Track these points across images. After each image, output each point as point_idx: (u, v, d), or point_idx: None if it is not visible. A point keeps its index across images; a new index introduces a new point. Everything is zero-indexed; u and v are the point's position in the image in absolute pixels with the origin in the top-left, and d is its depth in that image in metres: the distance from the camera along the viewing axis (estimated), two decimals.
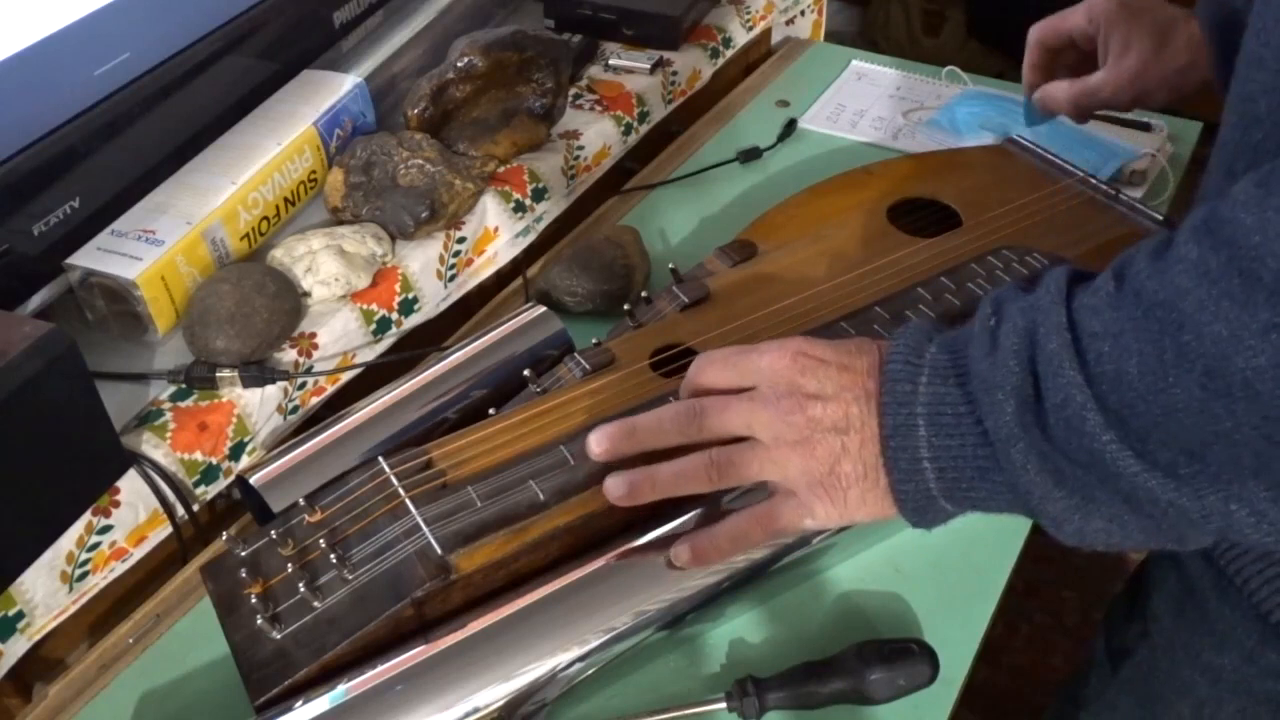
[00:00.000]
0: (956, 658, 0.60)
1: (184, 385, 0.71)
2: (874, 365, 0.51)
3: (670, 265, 0.75)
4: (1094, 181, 0.82)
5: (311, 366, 0.75)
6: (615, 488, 0.56)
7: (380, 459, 0.62)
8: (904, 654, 0.57)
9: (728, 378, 0.55)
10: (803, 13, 1.28)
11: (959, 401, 0.48)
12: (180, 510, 0.68)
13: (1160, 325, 0.41)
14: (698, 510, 0.60)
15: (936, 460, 0.48)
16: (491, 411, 0.66)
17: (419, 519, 0.58)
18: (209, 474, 0.70)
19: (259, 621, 0.56)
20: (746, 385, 0.54)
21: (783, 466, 0.52)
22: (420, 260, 0.82)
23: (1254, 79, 0.47)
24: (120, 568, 0.67)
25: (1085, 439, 0.43)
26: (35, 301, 0.72)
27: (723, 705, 0.57)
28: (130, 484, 0.66)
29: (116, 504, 0.66)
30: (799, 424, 0.51)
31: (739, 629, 0.62)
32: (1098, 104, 0.79)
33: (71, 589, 0.64)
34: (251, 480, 0.63)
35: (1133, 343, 0.41)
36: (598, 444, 0.56)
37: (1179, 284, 0.40)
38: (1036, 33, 0.81)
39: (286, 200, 0.82)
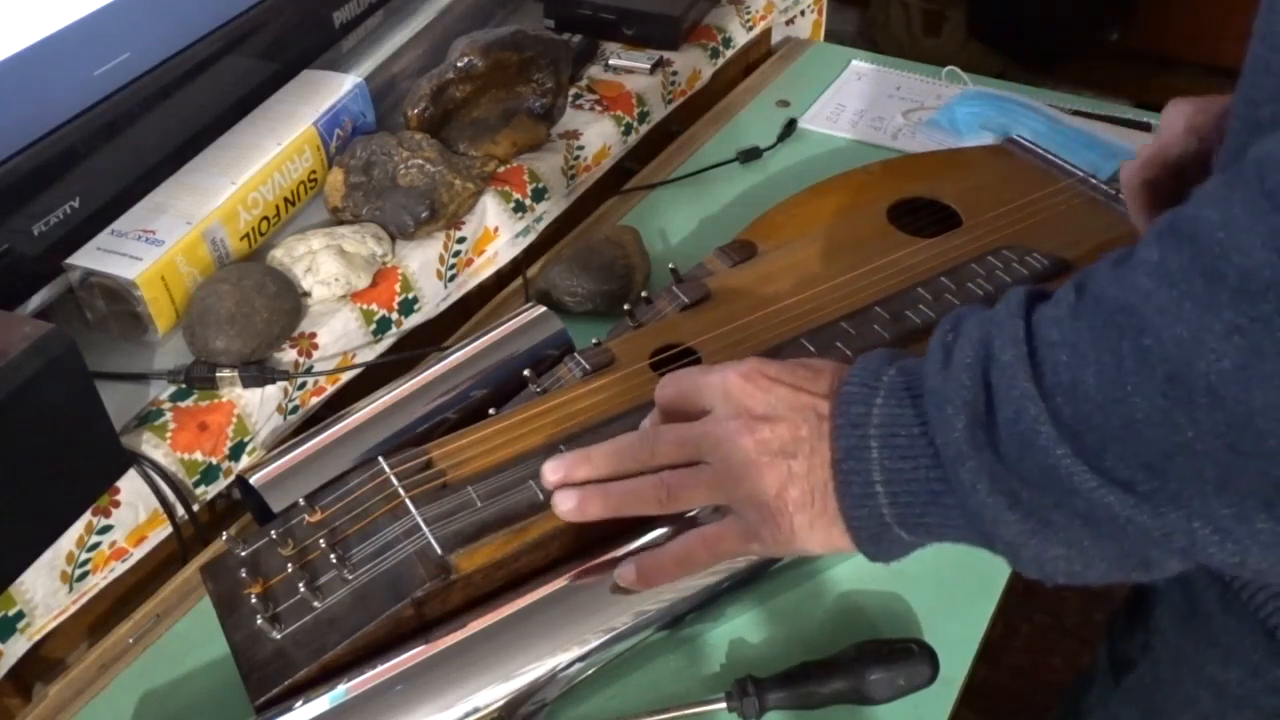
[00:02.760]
0: (956, 658, 0.60)
1: (184, 385, 0.71)
2: (830, 388, 0.50)
3: (670, 265, 0.75)
4: (1094, 181, 0.82)
5: (311, 366, 0.75)
6: (563, 501, 0.55)
7: (380, 459, 0.62)
8: (904, 654, 0.57)
9: (684, 397, 0.54)
10: (803, 13, 1.28)
11: (912, 422, 0.46)
12: (180, 510, 0.68)
13: (1119, 331, 0.39)
14: (698, 509, 0.60)
15: (889, 484, 0.46)
16: (491, 411, 0.66)
17: (419, 519, 0.58)
18: (209, 474, 0.70)
19: (259, 621, 0.56)
20: (704, 406, 0.53)
21: (729, 490, 0.51)
22: (420, 260, 0.82)
23: (1258, 84, 0.46)
24: (120, 568, 0.67)
25: (1039, 454, 0.41)
26: (35, 301, 0.72)
27: (723, 705, 0.57)
28: (130, 484, 0.66)
29: (116, 504, 0.66)
30: (746, 447, 0.49)
31: (739, 629, 0.62)
32: None
33: (71, 589, 0.64)
34: (251, 480, 0.63)
35: (1091, 351, 0.39)
36: (552, 472, 0.55)
37: (1139, 287, 0.38)
38: (1135, 174, 0.64)
39: (286, 200, 0.82)
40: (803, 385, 0.50)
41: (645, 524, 0.60)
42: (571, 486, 0.55)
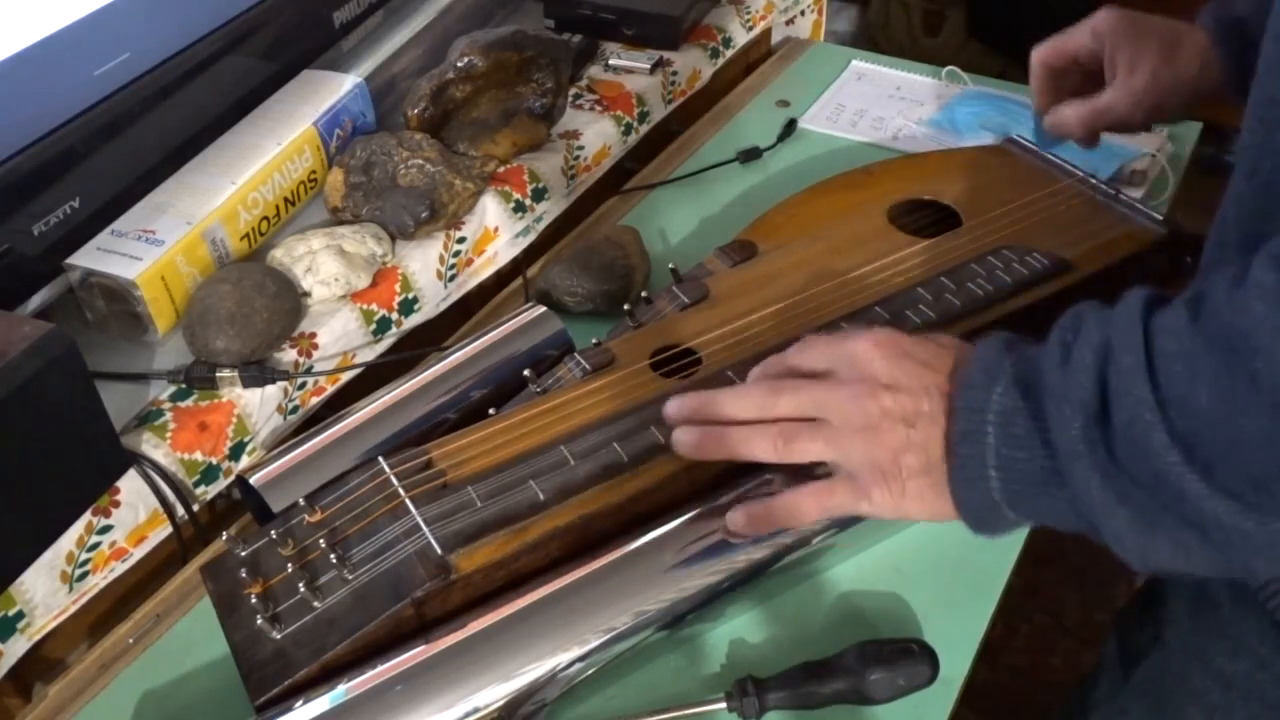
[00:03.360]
0: (956, 658, 0.60)
1: (184, 385, 0.71)
2: (952, 369, 0.52)
3: (670, 265, 0.75)
4: (1094, 181, 0.82)
5: (311, 366, 0.75)
6: (684, 436, 0.57)
7: (380, 459, 0.62)
8: (904, 654, 0.57)
9: (813, 360, 0.56)
10: (803, 13, 1.28)
11: (1029, 414, 0.47)
12: (180, 510, 0.68)
13: (1232, 352, 0.40)
14: (695, 510, 0.60)
15: (1002, 470, 0.48)
16: (491, 411, 0.66)
17: (419, 519, 0.58)
18: (209, 474, 0.70)
19: (259, 621, 0.56)
20: (826, 370, 0.55)
21: (846, 449, 0.53)
22: (420, 260, 0.82)
23: (1274, 83, 0.47)
24: (120, 568, 0.67)
25: (1151, 458, 0.42)
26: (35, 301, 0.72)
27: (723, 705, 0.57)
28: (130, 484, 0.66)
29: (116, 504, 0.66)
30: (870, 410, 0.52)
31: (739, 629, 0.62)
32: (1110, 123, 0.76)
33: (71, 589, 0.64)
34: (251, 480, 0.63)
35: (1205, 368, 0.41)
36: (675, 410, 0.58)
37: (1252, 310, 0.40)
38: (1040, 55, 0.77)
39: (286, 200, 0.82)
40: (928, 362, 0.53)
41: (646, 523, 0.60)
42: (692, 425, 0.57)
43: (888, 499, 0.53)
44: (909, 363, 0.53)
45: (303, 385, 0.75)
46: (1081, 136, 0.78)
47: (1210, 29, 0.69)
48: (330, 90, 0.87)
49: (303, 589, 0.57)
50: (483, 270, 0.88)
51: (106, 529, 0.65)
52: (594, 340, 0.70)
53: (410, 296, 0.81)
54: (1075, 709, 0.76)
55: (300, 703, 0.53)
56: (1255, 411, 0.39)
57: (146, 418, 0.69)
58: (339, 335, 0.77)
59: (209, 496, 0.71)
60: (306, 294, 0.77)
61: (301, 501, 0.61)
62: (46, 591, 0.63)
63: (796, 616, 0.63)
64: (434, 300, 0.84)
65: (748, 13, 1.15)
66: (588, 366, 0.67)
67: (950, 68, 1.12)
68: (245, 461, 0.72)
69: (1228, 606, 0.60)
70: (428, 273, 0.82)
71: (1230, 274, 0.43)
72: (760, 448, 0.55)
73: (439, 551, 0.56)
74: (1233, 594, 0.59)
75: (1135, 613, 0.70)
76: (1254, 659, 0.59)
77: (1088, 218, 0.78)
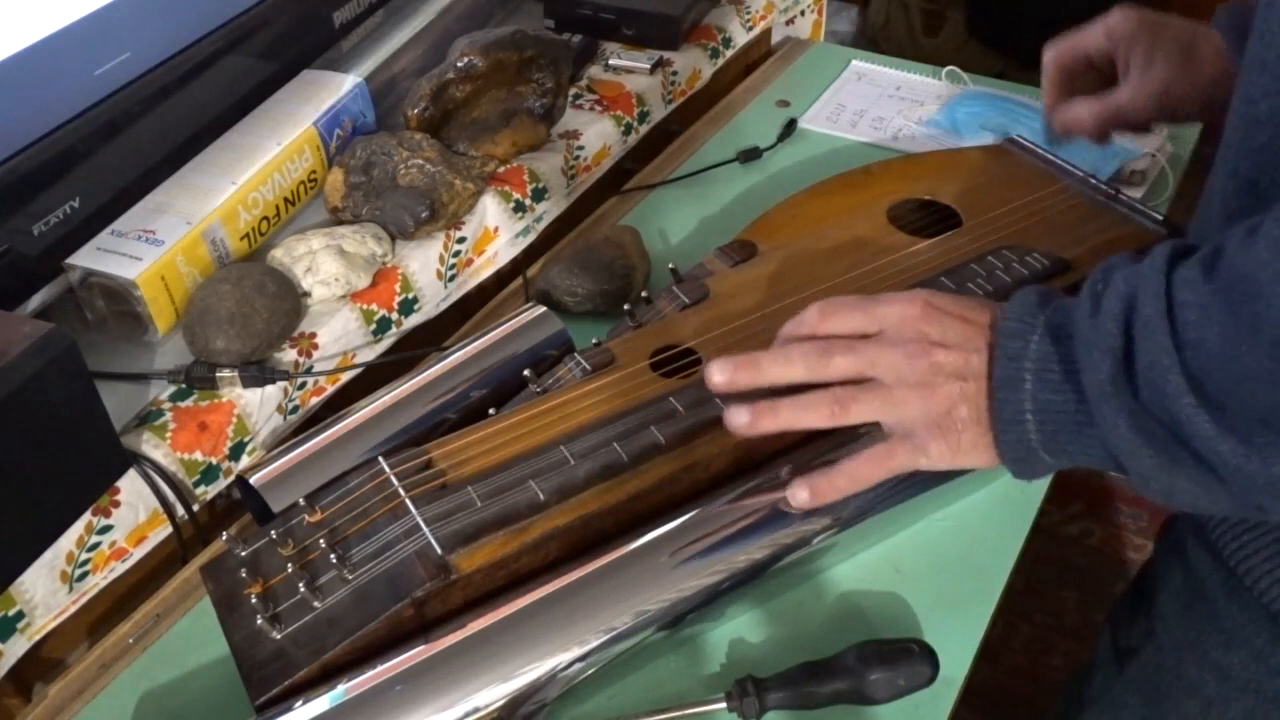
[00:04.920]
0: (956, 658, 0.60)
1: (184, 385, 0.71)
2: (991, 321, 0.54)
3: (670, 265, 0.75)
4: (1094, 181, 0.82)
5: (311, 366, 0.75)
6: (737, 415, 0.57)
7: (380, 459, 0.62)
8: (904, 654, 0.57)
9: (853, 322, 0.57)
10: (803, 13, 1.28)
11: (1062, 360, 0.50)
12: (180, 510, 0.68)
13: (1239, 296, 0.43)
14: (697, 509, 0.60)
15: (1038, 414, 0.51)
16: (491, 411, 0.66)
17: (419, 519, 0.58)
18: (209, 474, 0.70)
19: (259, 621, 0.56)
20: (871, 331, 0.56)
21: (902, 407, 0.54)
22: (420, 260, 0.82)
23: (1256, 82, 0.47)
24: (120, 568, 0.67)
25: (1168, 400, 0.45)
26: (35, 301, 0.72)
27: (723, 705, 0.57)
28: (130, 484, 0.66)
29: (116, 504, 0.66)
30: (922, 368, 0.54)
31: (739, 629, 0.62)
32: (1123, 120, 0.74)
33: (71, 589, 0.64)
34: (251, 480, 0.63)
35: (1216, 312, 0.44)
36: (719, 372, 0.58)
37: (1259, 258, 0.43)
38: (1053, 53, 0.76)
39: (286, 200, 0.82)
40: (969, 317, 0.55)
41: (646, 523, 0.60)
42: (740, 401, 0.57)
43: (945, 451, 0.54)
44: (950, 319, 0.55)
45: (303, 385, 0.75)
46: (1093, 133, 0.76)
47: (1226, 32, 0.69)
48: (330, 90, 0.87)
49: (303, 589, 0.57)
50: (483, 270, 0.88)
51: (106, 529, 0.65)
52: (594, 340, 0.70)
53: (410, 296, 0.81)
54: (1071, 705, 0.76)
55: (300, 703, 0.53)
56: (1258, 352, 0.42)
57: (146, 418, 0.69)
58: (339, 335, 0.77)
59: (209, 496, 0.71)
60: (306, 294, 0.77)
61: (301, 501, 0.61)
62: (46, 591, 0.63)
63: (796, 616, 0.63)
64: (434, 300, 0.84)
65: (748, 13, 1.15)
66: (588, 366, 0.67)
67: (950, 68, 1.12)
68: (245, 461, 0.72)
69: (1221, 600, 0.60)
70: (428, 273, 0.82)
71: (1247, 227, 0.45)
72: (816, 415, 0.56)
73: (439, 551, 0.56)
74: (1226, 587, 0.60)
75: (1127, 607, 0.71)
76: (1250, 650, 0.59)
77: (1088, 218, 0.78)
